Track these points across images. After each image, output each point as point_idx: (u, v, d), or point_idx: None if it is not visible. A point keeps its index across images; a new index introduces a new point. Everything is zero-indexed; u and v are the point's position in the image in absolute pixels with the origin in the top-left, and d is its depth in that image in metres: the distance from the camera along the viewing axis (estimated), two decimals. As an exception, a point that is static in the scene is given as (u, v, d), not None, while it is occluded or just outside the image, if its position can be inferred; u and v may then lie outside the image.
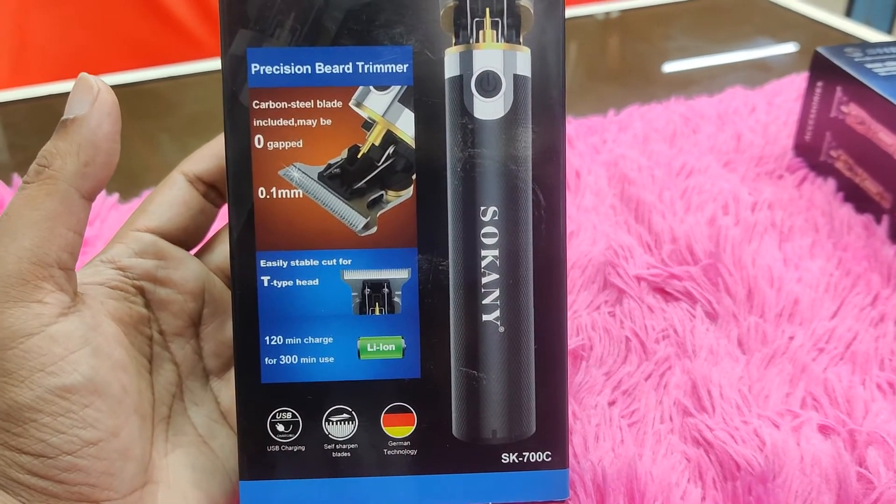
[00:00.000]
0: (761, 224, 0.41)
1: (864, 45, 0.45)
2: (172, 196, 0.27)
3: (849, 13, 1.51)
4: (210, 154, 0.27)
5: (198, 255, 0.28)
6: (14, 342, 0.21)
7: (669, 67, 0.66)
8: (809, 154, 0.47)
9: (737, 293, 0.37)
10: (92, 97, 0.23)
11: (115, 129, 0.23)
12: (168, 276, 0.26)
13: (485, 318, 0.24)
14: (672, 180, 0.45)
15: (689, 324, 0.36)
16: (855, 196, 0.43)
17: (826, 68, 0.44)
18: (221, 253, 0.28)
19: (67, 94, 0.23)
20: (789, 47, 0.68)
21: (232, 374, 0.27)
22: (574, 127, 0.51)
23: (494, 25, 0.23)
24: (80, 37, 0.96)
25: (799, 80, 0.56)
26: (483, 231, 0.24)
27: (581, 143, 0.50)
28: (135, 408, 0.23)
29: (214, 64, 0.65)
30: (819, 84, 0.45)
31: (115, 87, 0.22)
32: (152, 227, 0.26)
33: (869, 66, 0.43)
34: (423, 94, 0.23)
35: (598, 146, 0.49)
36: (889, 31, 1.51)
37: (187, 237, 0.27)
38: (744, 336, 0.35)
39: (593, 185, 0.45)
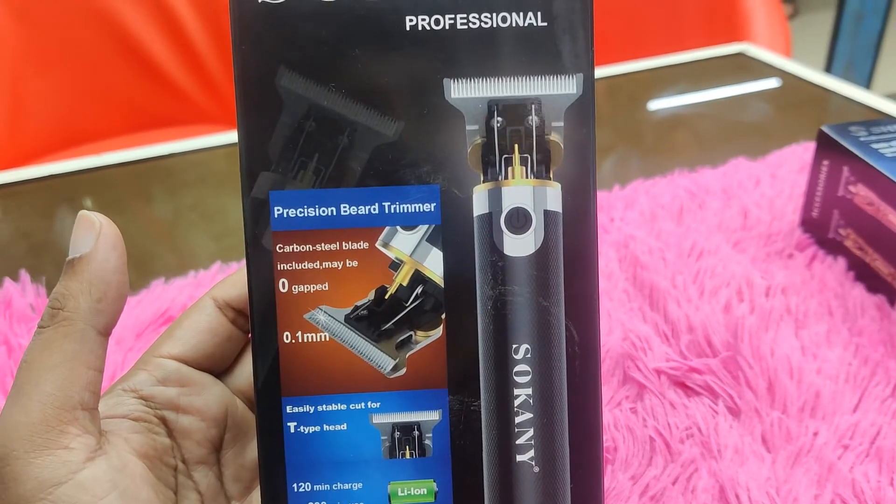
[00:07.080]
0: (776, 310, 0.40)
1: (868, 124, 0.45)
2: (199, 322, 0.26)
3: (829, 66, 1.54)
4: (242, 281, 0.26)
5: (219, 376, 0.27)
6: (43, 492, 0.20)
7: (654, 105, 0.66)
8: (817, 231, 0.47)
9: (757, 386, 0.36)
10: (95, 233, 0.23)
11: (121, 261, 0.23)
12: (191, 404, 0.25)
13: (519, 458, 0.23)
14: (683, 262, 0.45)
15: (712, 421, 0.35)
16: (866, 275, 0.43)
17: (831, 146, 0.44)
18: (243, 374, 0.27)
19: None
20: (780, 105, 0.69)
21: (253, 496, 0.26)
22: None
23: (523, 161, 0.23)
24: (76, 103, 0.95)
25: (800, 150, 0.56)
26: (515, 369, 0.23)
27: (589, 222, 0.49)
28: None
29: (219, 139, 0.64)
30: (825, 162, 0.45)
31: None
32: (175, 354, 0.26)
33: (875, 146, 0.43)
34: (452, 232, 0.23)
35: (605, 225, 0.49)
36: (868, 78, 1.54)
37: (212, 364, 0.27)
38: (767, 433, 0.35)
39: (605, 268, 0.45)
